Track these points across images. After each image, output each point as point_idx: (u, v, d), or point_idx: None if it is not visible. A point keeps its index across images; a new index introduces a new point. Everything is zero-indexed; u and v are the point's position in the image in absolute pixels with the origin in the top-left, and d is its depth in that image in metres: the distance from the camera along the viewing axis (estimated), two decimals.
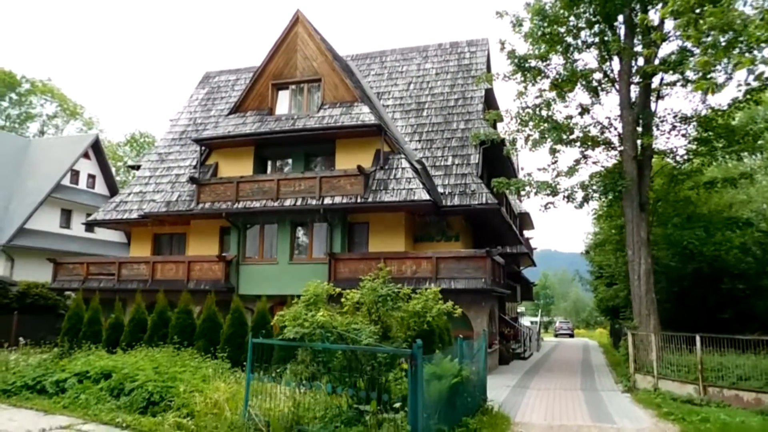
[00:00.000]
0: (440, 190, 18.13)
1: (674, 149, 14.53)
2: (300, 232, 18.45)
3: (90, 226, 25.28)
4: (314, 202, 17.26)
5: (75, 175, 30.35)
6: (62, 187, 29.00)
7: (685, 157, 14.31)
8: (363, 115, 17.93)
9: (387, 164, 17.76)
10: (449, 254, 16.14)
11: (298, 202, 17.43)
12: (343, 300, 8.27)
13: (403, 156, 18.01)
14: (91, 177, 31.41)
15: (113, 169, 38.32)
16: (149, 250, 21.08)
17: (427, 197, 16.34)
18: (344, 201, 17.02)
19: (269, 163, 19.80)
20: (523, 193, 15.32)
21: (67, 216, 29.26)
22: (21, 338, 15.44)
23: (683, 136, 14.16)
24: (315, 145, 18.85)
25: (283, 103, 19.67)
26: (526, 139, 15.79)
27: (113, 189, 31.48)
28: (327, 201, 17.15)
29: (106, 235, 29.87)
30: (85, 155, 30.86)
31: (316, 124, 18.22)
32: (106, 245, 29.74)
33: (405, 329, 8.08)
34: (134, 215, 20.65)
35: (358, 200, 16.88)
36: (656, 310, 13.88)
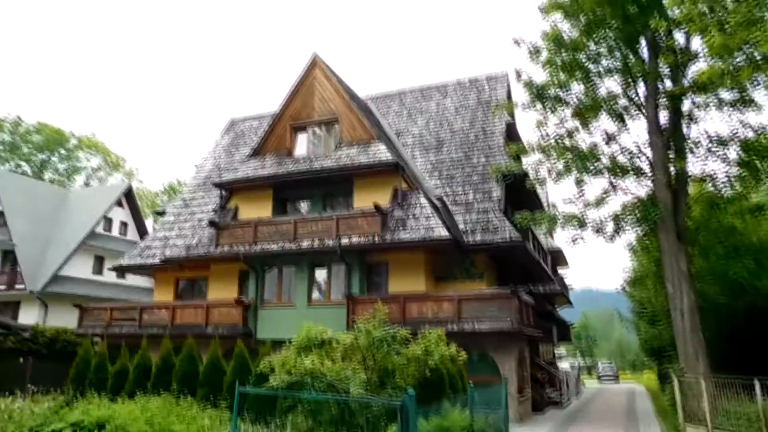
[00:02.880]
0: (462, 226, 17.30)
1: (713, 174, 13.30)
2: (318, 275, 17.83)
3: (119, 271, 25.23)
4: (331, 242, 16.71)
5: (108, 222, 30.80)
6: (96, 234, 29.42)
7: (726, 182, 13.07)
8: (380, 153, 17.51)
9: (405, 202, 17.11)
10: (472, 294, 15.14)
11: (315, 244, 16.92)
12: (334, 344, 7.36)
13: (421, 193, 17.35)
14: (124, 224, 31.82)
15: (150, 217, 38.96)
16: (171, 295, 20.79)
17: (447, 234, 15.55)
18: (361, 241, 16.40)
19: (288, 204, 19.44)
20: (544, 228, 14.26)
21: (99, 263, 29.48)
22: (30, 385, 14.92)
23: (722, 160, 12.95)
24: (332, 185, 18.45)
25: (302, 144, 19.49)
26: (550, 171, 14.88)
27: (144, 235, 31.68)
28: (344, 241, 16.57)
29: (136, 281, 29.85)
30: (119, 203, 31.39)
31: (333, 164, 17.90)
32: (134, 291, 29.73)
33: (408, 376, 7.06)
34: (157, 260, 20.41)
35: (376, 240, 16.23)
36: (705, 351, 12.35)
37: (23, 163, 44.50)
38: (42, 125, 44.64)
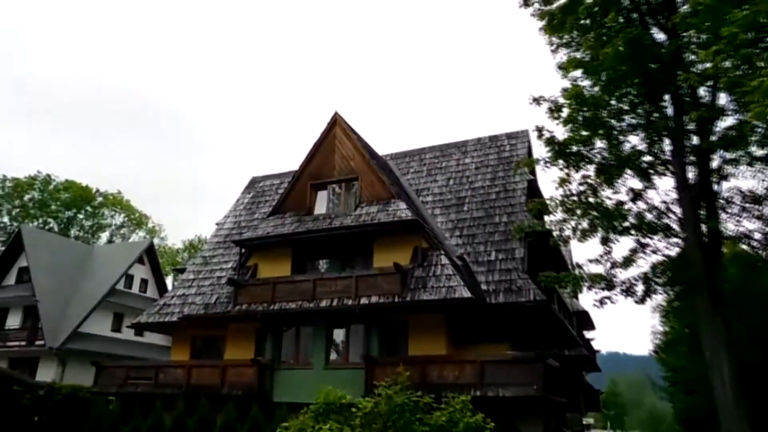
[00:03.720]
0: (484, 287, 16.82)
1: (748, 233, 12.68)
2: (336, 335, 17.43)
3: (138, 329, 25.01)
4: (350, 302, 16.38)
5: (129, 279, 30.92)
6: (116, 291, 29.49)
7: (763, 241, 12.41)
8: (400, 211, 17.40)
9: (426, 261, 16.82)
10: (495, 358, 14.49)
11: (334, 303, 16.61)
12: (353, 410, 6.86)
13: (442, 252, 17.06)
14: (144, 281, 31.91)
15: (170, 275, 39.07)
16: (188, 353, 20.43)
17: (469, 295, 15.11)
18: (381, 301, 16.04)
19: (307, 263, 19.28)
20: (569, 289, 13.62)
21: (118, 319, 29.41)
22: None
23: (758, 218, 12.37)
24: (352, 243, 18.31)
25: (321, 202, 19.59)
26: (574, 229, 14.34)
27: (164, 292, 31.61)
28: (363, 301, 16.23)
29: (154, 339, 29.57)
30: (140, 260, 31.63)
31: (352, 222, 17.83)
32: (152, 348, 29.37)
33: None
34: (175, 318, 20.20)
35: (396, 299, 15.86)
36: (750, 427, 11.32)
37: (51, 220, 45.59)
38: (70, 183, 46.07)
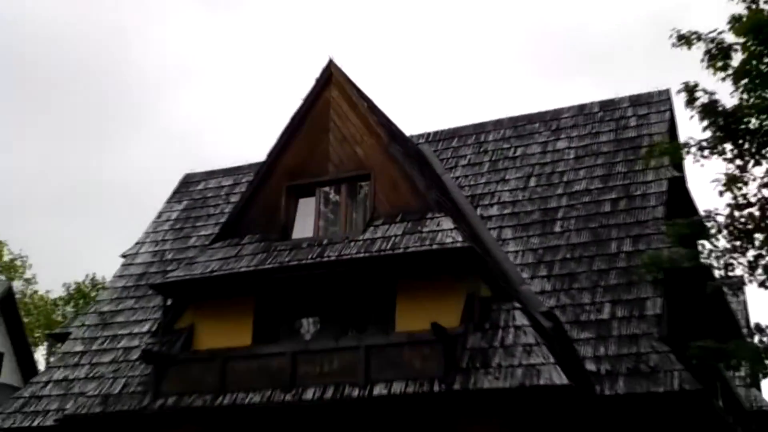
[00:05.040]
0: (590, 366, 16.88)
1: None
2: None
3: None
4: (356, 392, 16.39)
5: None
6: None
7: None
8: (442, 234, 17.39)
9: (488, 321, 16.86)
10: None
11: (328, 394, 16.59)
12: None
13: (517, 305, 17.12)
14: None
15: (42, 344, 39.37)
16: None
17: (564, 380, 14.97)
18: (410, 389, 15.98)
19: (281, 324, 19.53)
20: (743, 371, 13.64)
21: None
22: None
23: None
24: (359, 289, 18.49)
25: (305, 218, 19.86)
26: (752, 266, 14.60)
27: (31, 375, 31.69)
28: (379, 390, 16.21)
29: None
30: None
31: (360, 252, 17.88)
32: None
33: None
34: (49, 421, 20.35)
35: (435, 388, 15.81)
36: None
37: None
38: None
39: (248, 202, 20.37)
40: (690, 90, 14.71)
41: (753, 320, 26.24)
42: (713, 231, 15.05)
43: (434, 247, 17.12)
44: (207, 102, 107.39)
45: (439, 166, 23.70)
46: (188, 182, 27.99)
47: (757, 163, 14.52)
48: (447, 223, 17.71)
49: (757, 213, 14.50)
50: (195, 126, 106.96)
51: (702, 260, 15.87)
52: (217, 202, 26.27)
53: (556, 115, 24.25)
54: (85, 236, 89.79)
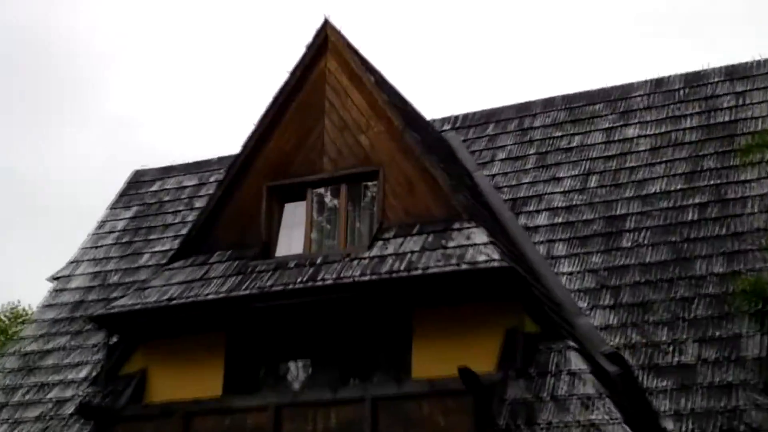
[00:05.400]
0: (668, 425, 16.26)
1: None
2: None
3: None
4: None
5: None
6: None
7: None
8: (474, 250, 16.89)
9: (534, 365, 16.34)
10: None
11: None
12: None
13: (572, 345, 16.60)
14: None
15: None
16: None
17: None
18: None
19: (260, 367, 19.37)
20: None
21: None
22: None
23: None
24: (363, 322, 18.13)
25: (293, 229, 19.70)
26: None
27: None
28: None
29: None
30: None
31: (365, 274, 17.45)
32: None
33: None
34: None
35: None
36: None
37: None
38: None
39: (217, 208, 20.07)
40: None
41: None
42: None
43: (463, 267, 16.61)
44: (161, 81, 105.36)
45: (470, 161, 23.45)
46: (138, 182, 27.87)
47: None
48: (480, 236, 17.22)
49: None
50: (145, 112, 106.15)
51: None
52: (177, 208, 26.19)
53: (625, 92, 23.95)
54: (2, 253, 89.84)
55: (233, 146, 21.78)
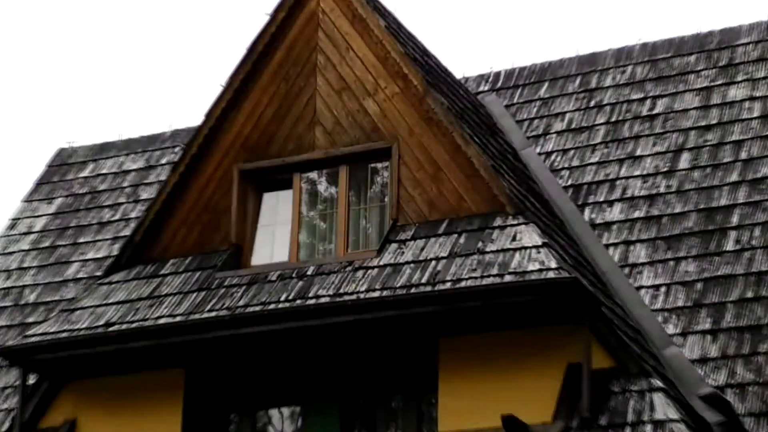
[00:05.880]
0: None
1: None
2: None
3: None
4: None
5: None
6: None
7: None
8: (521, 255, 16.76)
9: (606, 412, 16.11)
10: None
11: None
12: None
13: (658, 384, 16.26)
14: None
15: None
16: None
17: None
18: None
19: (232, 417, 19.36)
20: None
21: None
22: None
23: None
24: (370, 355, 18.02)
25: (275, 228, 19.71)
26: None
27: None
28: None
29: None
30: None
31: (373, 289, 17.30)
32: None
33: None
34: None
35: None
36: None
37: None
38: None
39: (171, 200, 19.87)
40: None
41: None
42: None
43: (507, 279, 16.37)
44: (88, 27, 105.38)
45: (517, 134, 23.27)
46: (64, 164, 28.06)
47: None
48: (530, 236, 17.00)
49: None
50: (71, 70, 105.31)
51: None
52: (117, 200, 26.11)
53: (728, 39, 23.74)
54: None
55: (192, 117, 21.44)
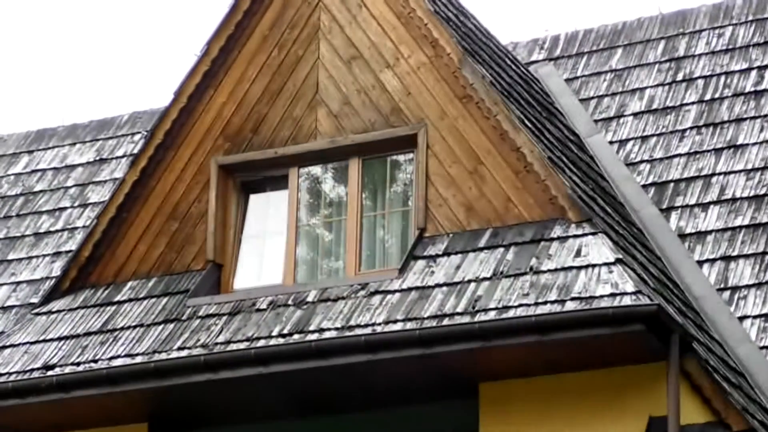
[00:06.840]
0: None
1: None
2: None
3: None
4: None
5: None
6: None
7: None
8: (588, 275, 16.75)
9: None
10: None
11: None
12: None
13: None
14: None
15: None
16: None
17: None
18: None
19: None
20: None
21: None
22: None
23: None
24: (393, 406, 17.91)
25: (265, 241, 19.71)
26: None
27: None
28: None
29: None
30: None
31: (394, 320, 17.25)
32: None
33: None
34: None
35: None
36: None
37: None
38: None
39: (129, 203, 19.86)
40: None
41: None
42: None
43: (568, 307, 16.31)
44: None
45: (582, 116, 23.19)
46: None
47: None
48: (600, 250, 16.89)
49: None
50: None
51: None
52: (59, 204, 26.11)
53: None
54: None
55: (157, 97, 21.25)
